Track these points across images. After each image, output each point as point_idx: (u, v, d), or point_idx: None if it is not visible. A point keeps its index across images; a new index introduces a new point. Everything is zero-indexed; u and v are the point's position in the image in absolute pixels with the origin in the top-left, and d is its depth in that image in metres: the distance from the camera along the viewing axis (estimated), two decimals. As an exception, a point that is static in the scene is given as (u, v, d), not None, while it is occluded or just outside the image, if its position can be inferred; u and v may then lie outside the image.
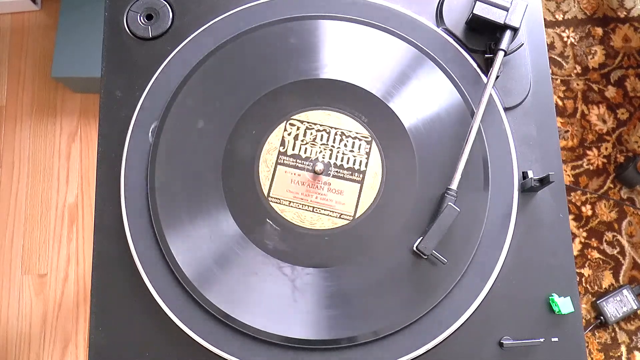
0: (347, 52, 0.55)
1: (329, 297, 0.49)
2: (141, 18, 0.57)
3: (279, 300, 0.49)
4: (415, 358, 0.49)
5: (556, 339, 0.50)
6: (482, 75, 0.55)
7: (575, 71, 1.42)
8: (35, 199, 1.38)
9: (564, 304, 0.49)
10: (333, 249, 0.51)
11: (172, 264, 0.50)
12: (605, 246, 1.32)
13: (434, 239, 0.48)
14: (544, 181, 0.50)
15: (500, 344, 0.50)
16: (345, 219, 0.51)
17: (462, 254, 0.50)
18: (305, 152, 0.53)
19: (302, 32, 0.55)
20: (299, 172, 0.53)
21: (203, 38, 0.56)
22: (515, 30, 0.53)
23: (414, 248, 0.49)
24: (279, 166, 0.53)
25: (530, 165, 0.54)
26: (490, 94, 0.54)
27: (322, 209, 0.52)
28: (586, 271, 1.31)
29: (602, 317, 1.26)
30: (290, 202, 0.52)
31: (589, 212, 1.34)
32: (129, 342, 0.50)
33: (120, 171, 0.53)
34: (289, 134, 0.53)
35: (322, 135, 0.53)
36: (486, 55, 0.55)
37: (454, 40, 0.56)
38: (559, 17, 1.46)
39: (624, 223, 1.34)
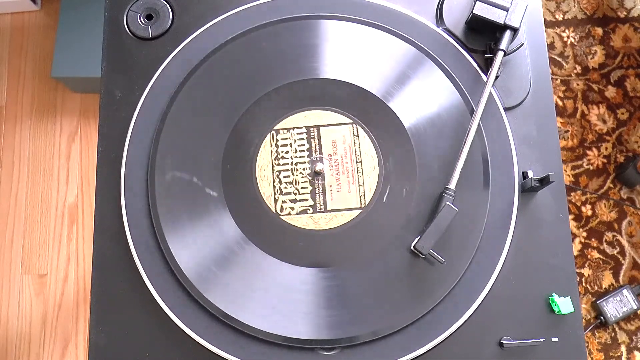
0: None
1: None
2: (141, 18, 0.57)
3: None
4: (415, 358, 0.49)
5: (556, 339, 0.50)
6: (482, 75, 0.55)
7: (575, 71, 1.42)
8: (35, 199, 1.38)
9: (564, 304, 0.49)
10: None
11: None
12: (605, 246, 1.32)
13: (432, 239, 0.48)
14: (544, 181, 0.50)
15: (500, 344, 0.50)
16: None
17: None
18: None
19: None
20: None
21: (203, 38, 0.56)
22: (515, 30, 0.53)
23: (412, 247, 0.49)
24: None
25: (530, 165, 0.54)
26: (490, 94, 0.54)
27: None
28: (586, 271, 1.31)
29: (602, 317, 1.26)
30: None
31: (589, 212, 1.34)
32: (129, 342, 0.50)
33: (120, 171, 0.53)
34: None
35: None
36: (486, 55, 0.55)
37: (454, 40, 0.56)
38: (559, 17, 1.46)
39: (624, 223, 1.34)
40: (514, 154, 0.53)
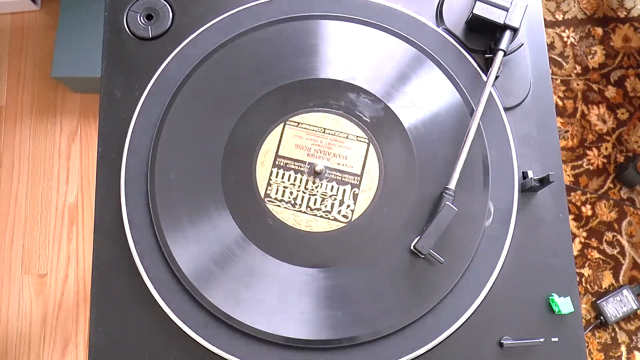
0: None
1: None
2: (141, 18, 0.57)
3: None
4: (415, 358, 0.49)
5: (556, 339, 0.50)
6: (482, 75, 0.55)
7: (575, 71, 1.42)
8: (35, 199, 1.38)
9: (564, 304, 0.49)
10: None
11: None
12: (605, 246, 1.32)
13: (432, 239, 0.48)
14: (544, 181, 0.50)
15: (500, 344, 0.50)
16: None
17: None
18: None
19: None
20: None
21: (203, 38, 0.56)
22: (515, 30, 0.53)
23: (412, 247, 0.49)
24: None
25: (530, 165, 0.54)
26: (490, 94, 0.54)
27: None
28: (586, 271, 1.31)
29: (602, 317, 1.26)
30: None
31: (589, 212, 1.34)
32: (129, 342, 0.50)
33: (120, 171, 0.53)
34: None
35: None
36: (486, 55, 0.55)
37: (454, 40, 0.56)
38: (559, 17, 1.46)
39: (624, 223, 1.34)
40: (514, 154, 0.53)
